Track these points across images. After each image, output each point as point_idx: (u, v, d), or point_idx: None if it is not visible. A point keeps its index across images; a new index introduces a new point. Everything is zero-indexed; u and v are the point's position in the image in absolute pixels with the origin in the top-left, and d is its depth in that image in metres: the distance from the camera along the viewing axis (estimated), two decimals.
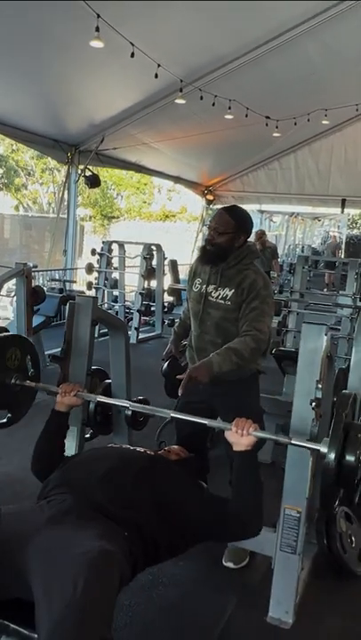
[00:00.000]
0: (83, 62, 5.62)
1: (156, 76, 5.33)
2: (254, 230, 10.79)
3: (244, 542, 2.28)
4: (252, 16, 5.44)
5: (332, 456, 1.72)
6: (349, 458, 1.74)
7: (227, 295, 2.46)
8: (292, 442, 1.88)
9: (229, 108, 6.79)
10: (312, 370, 2.06)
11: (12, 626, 1.48)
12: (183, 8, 4.96)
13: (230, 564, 2.46)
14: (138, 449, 2.04)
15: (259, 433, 1.84)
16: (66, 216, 8.43)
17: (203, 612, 2.18)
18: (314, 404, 1.99)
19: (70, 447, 2.49)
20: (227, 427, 1.87)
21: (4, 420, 2.38)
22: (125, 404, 2.29)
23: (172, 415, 2.10)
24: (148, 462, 1.88)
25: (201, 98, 6.25)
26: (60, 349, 2.58)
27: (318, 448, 1.80)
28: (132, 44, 4.76)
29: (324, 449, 1.76)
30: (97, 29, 4.27)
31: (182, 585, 2.33)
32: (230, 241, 2.47)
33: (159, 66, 5.31)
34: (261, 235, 9.74)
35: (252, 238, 2.95)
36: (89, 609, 1.27)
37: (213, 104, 6.46)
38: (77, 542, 1.44)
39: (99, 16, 4.24)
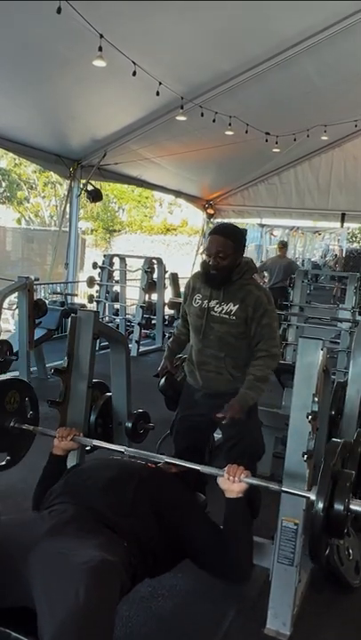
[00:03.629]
0: (85, 79, 5.72)
1: (158, 93, 5.43)
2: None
3: None
4: (252, 34, 5.55)
5: (321, 505, 1.73)
6: (338, 507, 1.75)
7: (231, 310, 2.51)
8: (283, 489, 1.92)
9: (230, 124, 6.89)
10: (309, 384, 2.09)
11: (13, 634, 1.50)
12: (184, 25, 5.06)
13: None
14: (138, 461, 2.08)
15: (250, 480, 1.88)
16: (67, 229, 8.51)
17: (201, 624, 2.20)
18: (310, 417, 2.03)
19: (71, 459, 2.53)
20: (219, 473, 1.91)
21: (4, 463, 2.41)
22: (121, 449, 2.26)
23: (166, 460, 2.11)
24: (148, 474, 1.92)
25: (202, 114, 6.34)
26: (61, 362, 2.63)
27: (308, 496, 1.84)
28: (134, 63, 4.85)
29: (313, 496, 1.78)
30: (100, 49, 4.36)
31: (181, 597, 2.34)
32: (233, 262, 2.53)
33: (160, 84, 5.41)
34: (283, 246, 10.25)
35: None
36: (90, 616, 1.30)
37: (214, 120, 6.55)
38: (78, 552, 1.47)
39: (102, 36, 4.33)
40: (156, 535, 1.72)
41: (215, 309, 2.55)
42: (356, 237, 19.77)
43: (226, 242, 2.51)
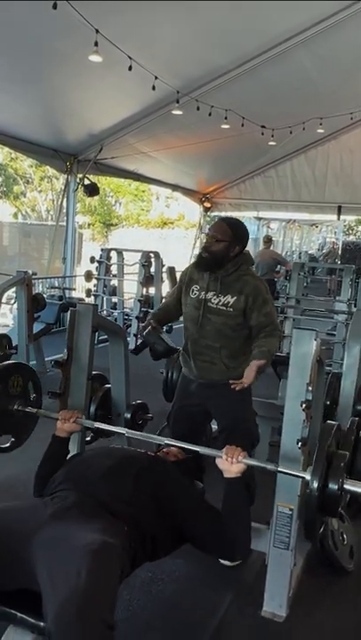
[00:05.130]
0: (82, 74, 5.73)
1: (154, 87, 5.45)
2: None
3: None
4: (247, 28, 5.57)
5: (316, 485, 1.80)
6: (332, 486, 1.82)
7: (228, 302, 2.56)
8: (280, 469, 1.98)
9: (226, 117, 6.92)
10: (303, 373, 2.15)
11: (18, 615, 1.57)
12: (179, 21, 5.08)
13: (226, 562, 2.54)
14: (139, 450, 2.14)
15: (248, 461, 1.94)
16: (65, 224, 8.54)
17: (200, 607, 2.27)
18: (304, 405, 2.09)
19: (72, 449, 2.59)
20: (218, 454, 1.97)
21: (8, 445, 2.46)
22: (122, 431, 2.38)
23: (167, 442, 2.21)
24: (148, 462, 1.98)
25: (198, 108, 6.37)
26: (60, 355, 2.68)
27: (304, 476, 1.90)
28: (130, 58, 4.87)
29: (308, 476, 1.85)
30: (96, 44, 4.38)
31: (180, 581, 2.41)
32: (226, 249, 2.57)
33: (156, 78, 5.43)
34: (268, 241, 10.29)
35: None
36: (91, 595, 1.36)
37: (210, 114, 6.58)
38: (80, 535, 1.53)
39: (98, 31, 4.35)
40: (156, 521, 1.78)
41: (212, 301, 2.59)
42: (352, 230, 19.82)
43: (226, 229, 2.58)
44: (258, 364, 2.44)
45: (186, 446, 2.14)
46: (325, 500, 1.82)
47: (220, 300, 2.59)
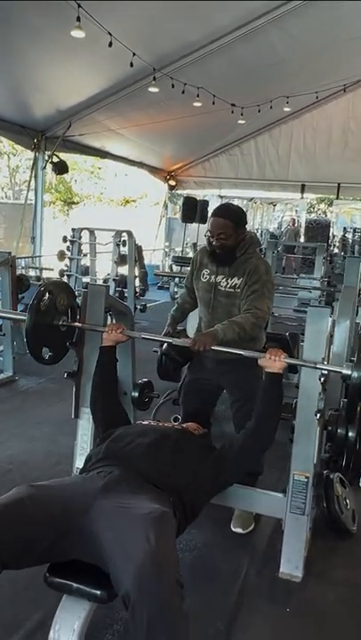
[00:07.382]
0: (51, 48, 5.61)
1: (132, 64, 5.38)
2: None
3: (257, 507, 2.51)
4: (220, 5, 5.55)
5: (357, 374, 2.05)
6: None
7: (236, 284, 2.64)
8: (318, 366, 2.19)
9: (198, 95, 6.92)
10: (318, 348, 2.26)
11: (74, 585, 1.63)
12: None
13: (239, 530, 2.67)
14: (166, 424, 2.22)
15: (289, 360, 2.19)
16: (31, 202, 8.39)
17: (221, 573, 2.38)
18: (323, 379, 2.21)
19: (86, 427, 2.65)
20: (260, 355, 2.21)
21: (47, 358, 2.52)
22: (169, 339, 2.66)
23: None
24: (179, 436, 2.07)
25: (173, 86, 6.35)
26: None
27: (341, 371, 2.11)
28: (110, 34, 4.80)
29: (347, 371, 2.08)
30: (78, 19, 4.30)
31: (198, 550, 2.52)
32: (235, 240, 2.64)
33: (134, 54, 5.36)
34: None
35: None
36: (164, 558, 1.46)
37: (183, 92, 6.57)
38: (139, 504, 1.62)
39: (79, 6, 4.27)
40: (194, 490, 1.88)
41: (222, 284, 2.68)
42: (313, 208, 20.15)
43: (225, 222, 2.63)
44: (211, 333, 2.48)
45: (233, 350, 2.33)
46: None
47: (228, 283, 2.67)
